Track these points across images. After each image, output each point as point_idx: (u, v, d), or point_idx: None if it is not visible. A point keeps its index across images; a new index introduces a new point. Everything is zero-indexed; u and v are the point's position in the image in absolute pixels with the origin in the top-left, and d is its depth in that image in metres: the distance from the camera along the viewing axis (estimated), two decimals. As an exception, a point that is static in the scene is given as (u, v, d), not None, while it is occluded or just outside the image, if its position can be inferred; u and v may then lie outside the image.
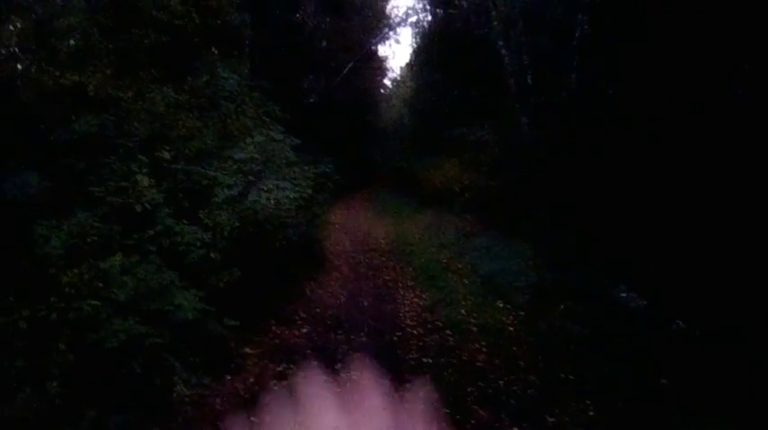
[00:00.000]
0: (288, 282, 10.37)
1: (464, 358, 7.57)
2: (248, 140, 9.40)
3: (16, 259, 6.08)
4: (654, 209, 9.71)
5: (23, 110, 7.91)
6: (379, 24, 33.08)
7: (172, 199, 7.93)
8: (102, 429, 5.18)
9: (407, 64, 41.16)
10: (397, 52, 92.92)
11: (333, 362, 7.36)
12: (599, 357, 7.24)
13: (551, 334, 8.20)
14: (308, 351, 7.81)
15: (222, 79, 10.64)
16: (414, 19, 33.10)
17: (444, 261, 13.44)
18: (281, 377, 6.87)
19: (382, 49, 49.11)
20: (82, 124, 7.86)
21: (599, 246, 10.61)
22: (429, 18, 31.10)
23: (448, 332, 8.59)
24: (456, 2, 22.34)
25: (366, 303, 10.35)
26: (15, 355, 5.35)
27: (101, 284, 6.12)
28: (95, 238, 6.60)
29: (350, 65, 28.58)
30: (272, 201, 8.20)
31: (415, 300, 10.51)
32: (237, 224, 7.99)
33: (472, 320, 9.04)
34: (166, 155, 8.23)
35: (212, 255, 7.52)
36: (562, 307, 9.12)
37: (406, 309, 9.96)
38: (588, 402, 6.17)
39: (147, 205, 7.34)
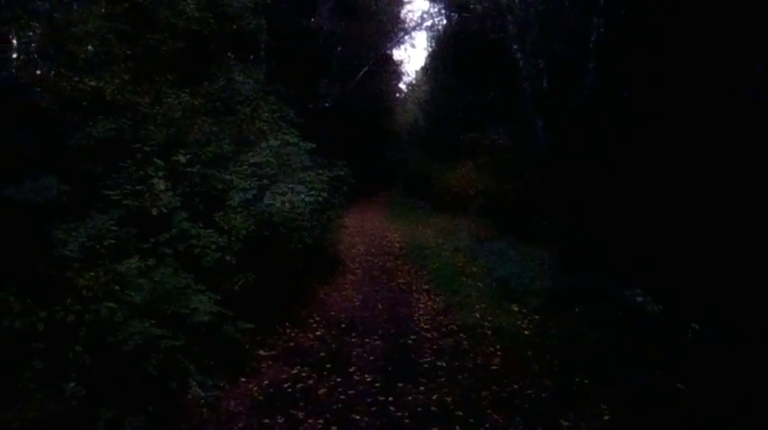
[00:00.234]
0: (302, 286, 10.42)
1: (478, 361, 7.56)
2: (263, 144, 9.45)
3: (34, 262, 6.15)
4: (670, 212, 9.65)
5: (42, 115, 8.01)
6: (394, 28, 33.14)
7: (188, 202, 8.00)
8: (118, 430, 5.23)
9: (422, 68, 41.24)
10: (412, 56, 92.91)
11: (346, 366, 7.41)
12: (614, 361, 7.20)
13: (566, 337, 8.16)
14: (322, 354, 7.84)
15: (238, 84, 10.72)
16: (429, 23, 33.18)
17: (459, 264, 13.43)
18: (296, 380, 6.90)
19: (397, 53, 48.99)
20: (99, 129, 7.96)
21: (614, 250, 10.55)
22: (444, 22, 31.10)
23: (462, 335, 8.58)
24: (471, 6, 22.27)
25: (380, 306, 10.37)
26: (33, 357, 5.41)
27: (117, 287, 6.18)
28: (112, 242, 6.67)
29: (365, 69, 28.68)
30: (287, 205, 8.23)
31: (430, 303, 10.51)
32: (253, 227, 8.03)
33: (486, 324, 9.02)
34: (182, 159, 8.30)
35: (227, 258, 7.56)
36: (577, 310, 9.08)
37: (421, 312, 9.96)
38: (603, 406, 6.12)
39: (164, 209, 7.41)
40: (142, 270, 6.54)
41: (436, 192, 24.63)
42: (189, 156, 8.45)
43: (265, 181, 8.55)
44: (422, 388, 6.69)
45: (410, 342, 8.40)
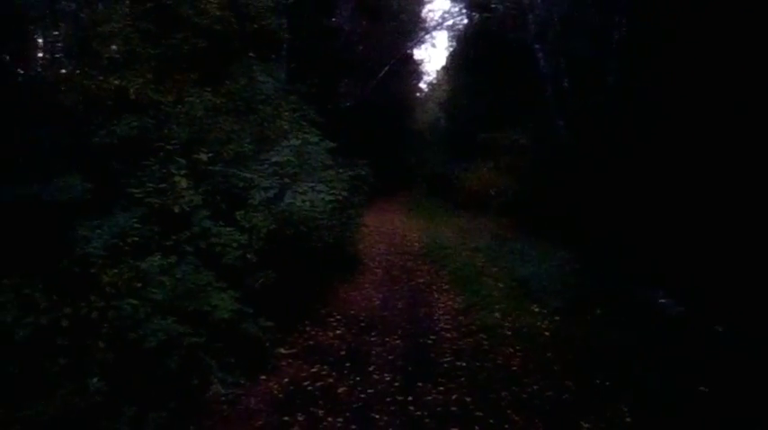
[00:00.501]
0: (322, 284, 10.45)
1: (498, 362, 7.54)
2: (284, 143, 9.47)
3: (59, 259, 6.23)
4: (694, 212, 9.55)
5: (67, 113, 8.10)
6: (414, 28, 33.07)
7: (209, 201, 8.04)
8: (141, 426, 5.28)
9: (443, 67, 41.26)
10: (432, 56, 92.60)
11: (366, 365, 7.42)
12: (636, 363, 7.15)
13: (587, 339, 8.11)
14: (342, 352, 7.86)
15: (259, 83, 10.74)
16: (450, 22, 33.07)
17: (479, 264, 13.39)
18: (316, 378, 6.93)
19: (418, 53, 48.91)
20: (123, 127, 8.03)
21: (636, 251, 10.47)
22: (465, 21, 31.04)
23: (482, 336, 8.55)
24: (492, 5, 22.22)
25: (400, 306, 10.37)
26: (57, 353, 5.49)
27: (140, 284, 6.25)
28: (135, 239, 6.72)
29: (386, 69, 28.64)
30: (308, 204, 8.24)
31: (450, 303, 10.49)
32: (273, 226, 8.06)
33: (507, 324, 8.99)
34: (204, 157, 8.34)
35: (248, 256, 7.59)
36: (598, 312, 9.03)
37: (441, 312, 9.95)
38: (624, 409, 6.08)
39: (186, 207, 7.45)
40: (164, 267, 6.59)
41: (456, 192, 24.64)
42: (211, 155, 8.50)
43: (286, 180, 8.57)
44: (441, 388, 6.68)
45: (430, 342, 8.39)
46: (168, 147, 7.95)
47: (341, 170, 10.75)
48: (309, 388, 6.68)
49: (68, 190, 6.77)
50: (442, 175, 28.35)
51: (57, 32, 9.20)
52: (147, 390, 5.56)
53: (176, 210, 7.36)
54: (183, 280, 6.59)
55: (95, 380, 5.36)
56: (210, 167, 8.44)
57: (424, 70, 43.04)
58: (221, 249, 7.42)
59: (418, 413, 6.07)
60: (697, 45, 10.03)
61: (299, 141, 9.49)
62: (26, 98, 8.04)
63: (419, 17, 34.06)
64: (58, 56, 9.71)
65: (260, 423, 5.82)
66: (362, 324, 9.15)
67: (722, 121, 9.28)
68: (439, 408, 6.18)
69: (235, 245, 7.52)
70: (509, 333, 8.63)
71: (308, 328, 8.73)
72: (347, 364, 7.38)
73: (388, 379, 6.95)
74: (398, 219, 23.60)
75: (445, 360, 7.63)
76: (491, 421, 5.91)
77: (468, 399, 6.38)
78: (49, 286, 5.85)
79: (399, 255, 15.34)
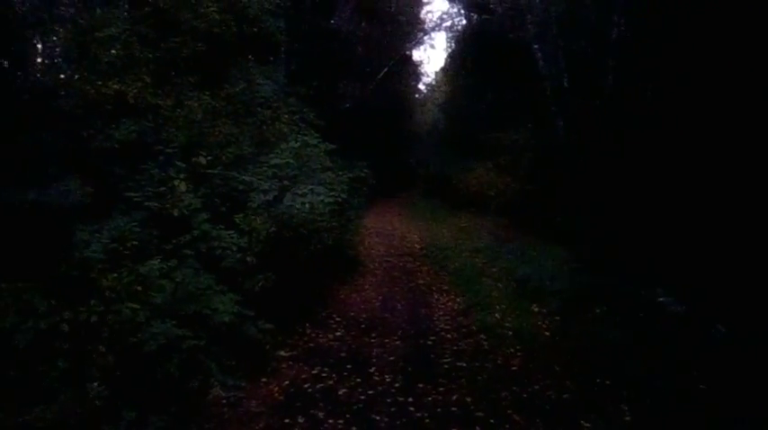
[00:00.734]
0: (322, 286, 10.45)
1: (498, 362, 7.53)
2: (284, 146, 9.50)
3: (58, 263, 6.24)
4: (693, 210, 9.56)
5: (66, 118, 8.12)
6: (413, 29, 33.15)
7: (209, 204, 8.06)
8: (141, 430, 5.29)
9: (442, 68, 41.22)
10: (431, 57, 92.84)
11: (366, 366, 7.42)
12: (636, 362, 7.15)
13: (587, 338, 8.11)
14: (342, 354, 7.86)
15: (258, 86, 10.79)
16: (448, 23, 33.18)
17: (479, 265, 13.39)
18: (316, 380, 6.94)
19: (417, 54, 49.13)
20: (122, 131, 8.06)
21: (636, 250, 10.47)
22: (464, 22, 31.07)
23: (482, 336, 8.55)
24: (491, 6, 22.25)
25: (400, 307, 10.37)
26: (57, 357, 5.50)
27: (140, 288, 6.25)
28: (135, 243, 6.73)
29: (384, 70, 28.70)
30: (307, 206, 8.27)
31: (450, 304, 10.49)
32: (273, 229, 8.08)
33: (507, 324, 8.98)
34: (203, 161, 8.37)
35: (248, 259, 7.61)
36: (598, 311, 9.02)
37: (441, 313, 9.95)
38: (625, 408, 6.08)
39: (185, 210, 7.48)
40: (164, 271, 6.60)
41: (456, 193, 24.62)
42: (210, 158, 8.53)
43: (286, 182, 8.60)
44: (441, 388, 6.68)
45: (430, 342, 8.39)
46: (167, 150, 7.98)
47: (340, 172, 10.77)
48: (310, 390, 6.67)
49: (68, 194, 6.80)
50: (441, 176, 28.34)
51: (56, 37, 9.21)
52: (147, 394, 5.56)
53: (176, 213, 7.38)
54: (183, 283, 6.61)
55: (95, 384, 5.36)
56: (210, 171, 8.47)
57: (422, 71, 43.17)
58: (221, 252, 7.44)
59: (419, 414, 6.06)
60: (695, 43, 10.04)
61: (299, 143, 9.52)
62: (25, 103, 8.06)
63: (418, 18, 34.15)
64: (56, 61, 9.73)
65: (261, 425, 5.81)
66: (363, 325, 9.15)
67: (722, 120, 9.28)
68: (439, 409, 6.17)
69: (234, 248, 7.55)
70: (509, 333, 8.62)
71: (308, 330, 8.73)
72: (347, 366, 7.38)
73: (388, 380, 6.95)
74: (398, 220, 23.60)
75: (445, 361, 7.62)
76: (492, 421, 5.91)
77: (468, 400, 6.38)
78: (48, 291, 5.86)
79: (399, 256, 15.34)
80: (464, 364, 7.46)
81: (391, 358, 7.75)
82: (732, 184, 9.00)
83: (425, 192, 32.18)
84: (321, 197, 8.49)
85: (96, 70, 8.68)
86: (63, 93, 8.46)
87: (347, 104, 25.64)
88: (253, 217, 8.06)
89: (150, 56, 9.30)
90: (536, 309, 9.63)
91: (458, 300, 10.68)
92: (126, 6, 10.29)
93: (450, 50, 36.35)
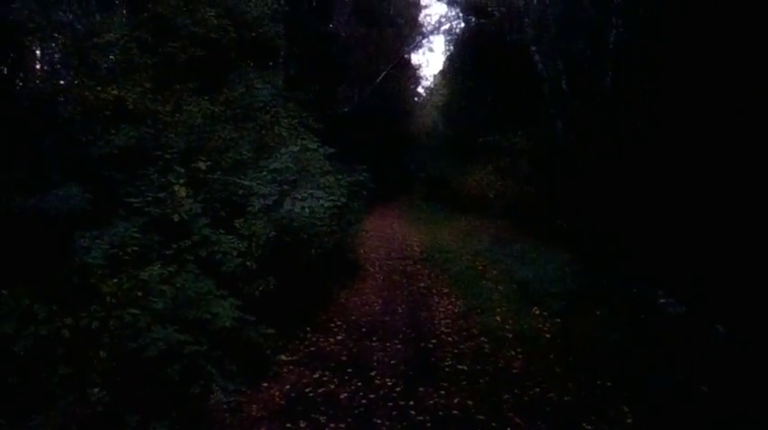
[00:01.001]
0: (323, 290, 10.46)
1: (500, 365, 7.54)
2: (283, 150, 9.49)
3: (59, 269, 6.24)
4: (693, 212, 9.56)
5: (65, 124, 8.13)
6: (411, 33, 33.19)
7: (208, 209, 8.06)
8: (143, 435, 5.29)
9: (441, 71, 41.25)
10: (430, 60, 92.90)
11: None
12: (637, 364, 7.16)
13: (588, 340, 8.11)
14: (344, 358, 7.86)
15: (257, 90, 10.78)
16: (447, 27, 33.14)
17: (479, 268, 13.39)
18: (317, 384, 6.93)
19: (416, 58, 49.22)
20: (122, 137, 8.06)
21: (636, 252, 10.48)
22: (462, 25, 31.05)
23: (483, 339, 8.56)
24: (489, 9, 22.28)
25: (401, 310, 10.38)
26: (58, 363, 5.50)
27: (140, 293, 6.25)
28: (135, 248, 6.73)
29: (383, 74, 28.73)
30: (307, 210, 8.26)
31: (450, 307, 10.50)
32: (273, 233, 8.07)
33: (507, 327, 8.99)
34: (203, 166, 8.37)
35: (248, 263, 7.61)
36: (599, 313, 9.03)
37: (441, 316, 9.95)
38: (626, 409, 6.09)
39: (185, 215, 7.47)
40: (164, 276, 6.60)
41: (456, 196, 24.63)
42: (209, 163, 8.52)
43: (285, 186, 8.59)
44: (443, 392, 6.69)
45: (431, 346, 8.40)
46: (167, 156, 7.98)
47: (340, 176, 10.77)
48: (311, 394, 6.68)
49: (68, 200, 6.79)
50: (441, 179, 28.35)
51: (54, 43, 9.22)
52: (148, 400, 5.57)
53: (176, 218, 7.38)
54: (184, 288, 6.60)
55: (97, 390, 5.37)
56: (209, 176, 8.47)
57: (421, 75, 43.35)
58: (221, 257, 7.44)
59: (420, 417, 6.07)
60: (693, 45, 10.05)
61: (298, 148, 9.51)
62: (25, 109, 8.07)
63: (416, 22, 34.20)
64: (56, 67, 9.74)
65: (262, 430, 5.83)
66: (363, 329, 9.15)
67: (720, 121, 9.29)
68: (441, 412, 6.18)
69: (235, 252, 7.54)
70: (510, 336, 8.63)
71: (309, 335, 8.73)
72: (349, 370, 7.39)
73: (389, 384, 6.95)
74: (398, 224, 23.61)
75: (446, 364, 7.63)
76: (493, 424, 5.91)
77: (469, 403, 6.38)
78: (49, 296, 5.86)
79: (399, 260, 15.34)
80: (465, 367, 7.46)
81: (392, 362, 7.76)
82: (731, 186, 9.00)
83: (425, 196, 32.18)
84: (321, 201, 8.48)
85: (95, 76, 8.69)
86: (62, 99, 8.46)
87: (346, 108, 25.67)
88: (253, 221, 8.05)
89: (149, 61, 9.31)
90: (537, 312, 9.64)
91: (458, 302, 10.69)
92: (124, 12, 10.31)
93: (448, 53, 36.37)
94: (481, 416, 6.07)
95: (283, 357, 7.74)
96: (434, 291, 11.85)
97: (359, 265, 13.74)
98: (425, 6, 41.19)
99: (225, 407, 6.13)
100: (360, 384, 6.94)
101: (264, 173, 8.85)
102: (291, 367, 7.49)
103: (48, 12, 8.84)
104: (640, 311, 8.89)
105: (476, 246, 16.06)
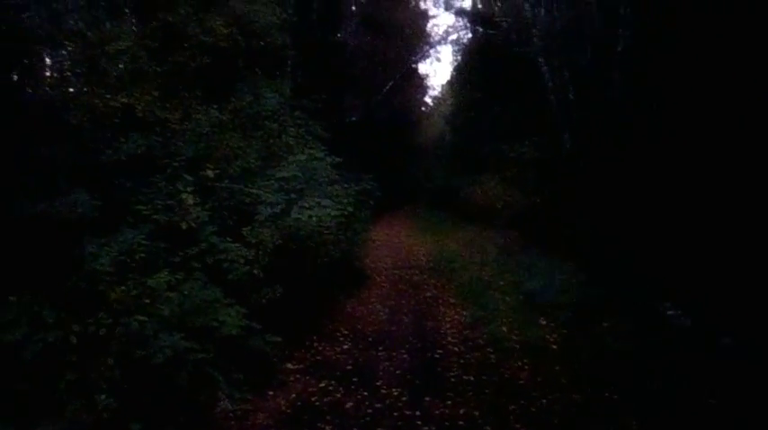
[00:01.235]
0: (329, 299, 10.47)
1: (506, 376, 7.51)
2: (290, 159, 9.54)
3: (67, 276, 6.26)
4: (700, 224, 9.52)
5: (75, 131, 8.17)
6: (419, 43, 33.27)
7: (216, 217, 8.09)
8: (149, 443, 5.29)
9: (448, 81, 41.42)
10: (437, 70, 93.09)
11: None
12: (644, 375, 7.11)
13: (595, 351, 8.07)
14: (349, 367, 7.85)
15: (265, 99, 10.82)
16: (454, 37, 33.25)
17: (486, 278, 13.36)
18: (323, 393, 6.93)
19: (423, 68, 49.22)
20: (130, 145, 8.10)
21: (643, 263, 10.43)
22: (469, 36, 31.15)
23: (489, 349, 8.53)
24: (496, 20, 22.35)
25: (407, 320, 10.37)
26: (66, 369, 5.52)
27: (148, 300, 6.27)
28: (143, 256, 6.76)
29: (390, 83, 28.80)
30: (314, 219, 8.27)
31: (457, 317, 10.47)
32: (280, 241, 8.09)
33: (514, 338, 8.96)
34: (211, 174, 8.41)
35: (255, 271, 7.62)
36: (606, 324, 8.98)
37: (448, 326, 9.93)
38: (633, 422, 6.04)
39: (193, 223, 7.50)
40: (172, 283, 6.62)
41: (462, 205, 24.62)
42: (217, 171, 8.57)
43: (292, 195, 8.62)
44: (449, 402, 6.67)
45: (437, 356, 8.38)
46: (175, 163, 8.02)
47: (347, 185, 10.79)
48: (317, 403, 6.67)
49: (76, 207, 6.82)
50: (447, 189, 28.36)
51: (64, 51, 9.27)
52: (155, 407, 5.57)
53: (183, 226, 7.41)
54: (191, 296, 6.62)
55: (103, 396, 5.38)
56: (217, 184, 8.51)
57: (428, 85, 43.34)
58: (228, 265, 7.46)
59: (426, 427, 6.05)
60: (702, 56, 10.04)
61: (305, 157, 9.56)
62: (34, 117, 8.11)
63: (423, 32, 34.27)
64: (65, 74, 9.79)
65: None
66: (369, 339, 9.15)
67: (729, 132, 9.26)
68: (447, 423, 6.15)
69: (242, 260, 7.56)
70: (516, 346, 8.60)
71: (315, 343, 8.73)
72: (355, 379, 7.38)
73: (395, 393, 6.94)
74: (405, 233, 23.62)
75: (453, 374, 7.61)
76: (500, 435, 5.90)
77: (476, 413, 6.36)
78: (57, 303, 5.89)
79: (406, 269, 15.33)
80: (471, 378, 7.44)
81: (398, 371, 7.75)
82: (739, 197, 8.97)
83: (432, 205, 32.18)
84: (328, 210, 8.50)
85: (104, 84, 8.74)
86: (71, 106, 8.50)
87: (353, 117, 25.73)
88: (260, 230, 8.07)
89: (158, 69, 9.37)
90: (543, 322, 9.60)
91: (465, 313, 10.66)
92: (134, 20, 10.37)
93: (455, 64, 36.48)
94: (487, 427, 6.05)
95: (289, 366, 7.75)
96: (441, 300, 11.83)
97: (365, 274, 13.74)
98: (433, 16, 41.24)
99: (231, 414, 6.14)
100: (366, 393, 6.93)
101: (272, 181, 8.88)
102: (297, 376, 7.49)
103: (59, 20, 8.91)
104: (647, 322, 8.84)
105: (482, 255, 16.03)
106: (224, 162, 9.00)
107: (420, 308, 11.30)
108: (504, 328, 9.44)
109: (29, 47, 8.74)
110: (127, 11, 10.72)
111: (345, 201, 9.66)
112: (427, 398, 6.74)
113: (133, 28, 9.69)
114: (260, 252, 7.85)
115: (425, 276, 14.47)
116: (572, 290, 10.82)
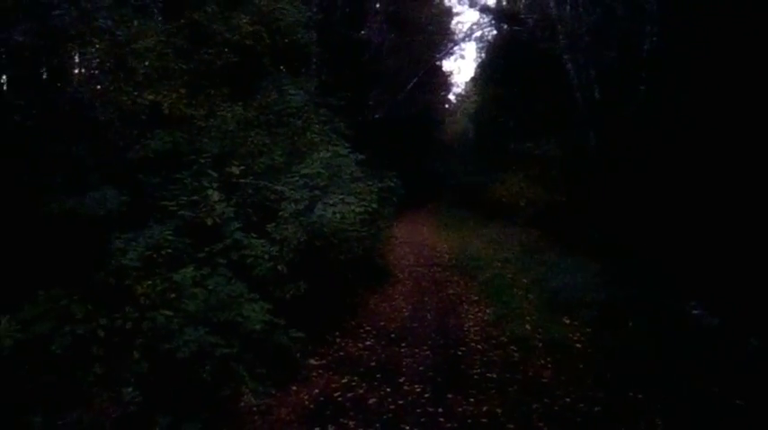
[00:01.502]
0: (352, 295, 10.50)
1: (529, 374, 7.48)
2: (315, 156, 9.56)
3: (95, 271, 6.36)
4: (727, 223, 9.41)
5: (103, 128, 8.28)
6: (443, 40, 33.10)
7: (241, 213, 8.15)
8: (174, 436, 5.36)
9: (472, 78, 41.26)
10: (461, 67, 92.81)
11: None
12: (669, 375, 7.05)
13: (619, 350, 8.01)
14: (372, 363, 7.88)
15: (290, 96, 10.86)
16: (478, 34, 33.02)
17: (509, 276, 13.31)
18: (346, 389, 6.96)
19: (447, 65, 49.20)
20: (157, 141, 8.20)
21: (669, 262, 10.33)
22: (494, 33, 30.96)
23: (513, 347, 8.50)
24: (521, 17, 22.21)
25: (429, 317, 10.37)
26: (93, 362, 5.61)
27: (173, 295, 6.36)
28: (169, 251, 6.84)
29: (414, 80, 28.70)
30: (338, 216, 8.30)
31: (480, 314, 10.45)
32: (304, 238, 8.13)
33: (538, 336, 8.92)
34: (236, 170, 8.48)
35: (279, 267, 7.67)
36: (631, 324, 8.91)
37: (470, 323, 9.92)
38: (658, 421, 5.99)
39: (218, 219, 7.57)
40: (197, 279, 6.70)
41: (486, 203, 24.51)
42: (242, 168, 8.64)
43: (317, 192, 8.64)
44: (471, 399, 6.65)
45: (460, 353, 8.37)
46: (200, 160, 8.10)
47: (370, 182, 10.81)
48: (340, 399, 6.71)
49: (104, 203, 6.91)
50: (471, 186, 28.25)
51: (93, 49, 9.38)
52: (180, 400, 5.64)
53: (209, 222, 7.48)
54: (216, 291, 6.69)
55: (130, 389, 5.46)
56: (242, 180, 8.57)
57: (452, 82, 43.16)
58: (253, 261, 7.52)
59: (449, 424, 6.05)
60: (730, 55, 9.90)
61: (329, 154, 9.58)
62: (64, 113, 8.23)
63: (448, 29, 34.09)
64: (94, 72, 9.90)
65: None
66: (392, 335, 9.17)
67: (757, 132, 9.14)
68: (469, 420, 6.15)
69: (266, 256, 7.61)
70: (540, 345, 8.56)
71: (338, 339, 8.77)
72: (377, 375, 7.40)
73: (418, 390, 6.94)
74: (427, 230, 23.61)
75: (475, 371, 7.60)
76: (522, 433, 5.89)
77: (498, 411, 6.34)
78: (85, 297, 5.99)
79: (428, 267, 15.34)
80: (494, 375, 7.43)
81: (421, 368, 7.76)
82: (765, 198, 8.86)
83: (455, 203, 32.06)
84: (352, 207, 8.52)
85: (132, 81, 8.83)
86: (99, 104, 8.60)
87: (377, 115, 25.70)
88: (284, 226, 8.11)
89: (184, 67, 9.45)
90: (567, 321, 9.54)
91: (487, 310, 10.63)
92: (161, 19, 10.45)
93: (480, 61, 36.33)
94: (510, 425, 6.03)
95: (313, 361, 7.79)
96: (463, 298, 11.82)
97: (388, 271, 13.76)
98: (457, 14, 41.09)
99: (255, 409, 6.18)
100: (388, 390, 6.95)
101: (296, 178, 8.92)
102: (320, 371, 7.53)
103: (88, 18, 9.01)
104: (673, 322, 8.75)
105: (505, 253, 15.98)
106: (249, 159, 9.07)
107: (443, 305, 11.30)
108: (528, 326, 9.40)
109: (59, 45, 8.85)
110: (155, 9, 10.82)
111: (369, 198, 9.66)
112: (450, 396, 6.74)
113: (160, 26, 9.76)
114: (284, 248, 7.89)
115: (448, 273, 14.46)
116: (596, 289, 10.72)
